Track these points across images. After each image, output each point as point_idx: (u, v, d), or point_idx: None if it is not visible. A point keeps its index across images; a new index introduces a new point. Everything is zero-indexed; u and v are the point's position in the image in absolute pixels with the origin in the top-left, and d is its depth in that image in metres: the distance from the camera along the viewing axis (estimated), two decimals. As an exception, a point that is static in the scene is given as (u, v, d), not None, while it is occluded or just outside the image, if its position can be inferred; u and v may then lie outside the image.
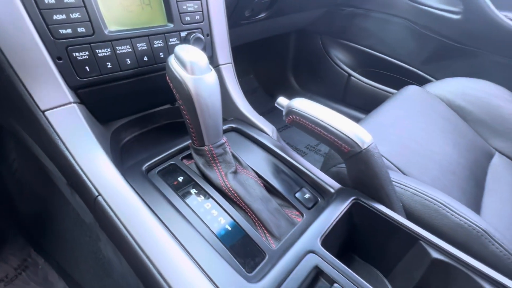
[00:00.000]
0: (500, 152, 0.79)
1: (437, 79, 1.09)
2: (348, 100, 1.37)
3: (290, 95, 1.59)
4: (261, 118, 0.55)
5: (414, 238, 0.33)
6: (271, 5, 0.82)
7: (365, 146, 0.36)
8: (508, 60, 0.89)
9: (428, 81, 1.11)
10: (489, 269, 0.29)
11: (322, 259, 0.29)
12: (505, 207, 0.63)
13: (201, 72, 0.35)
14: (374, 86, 1.24)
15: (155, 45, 0.44)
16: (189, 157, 0.44)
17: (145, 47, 0.43)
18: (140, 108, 0.53)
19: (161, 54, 0.45)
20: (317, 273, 0.29)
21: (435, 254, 0.31)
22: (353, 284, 0.27)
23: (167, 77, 0.36)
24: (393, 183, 0.44)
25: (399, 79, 1.20)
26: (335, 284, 0.27)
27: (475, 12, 0.88)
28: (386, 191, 0.37)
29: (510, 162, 0.77)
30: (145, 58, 0.43)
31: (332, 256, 0.30)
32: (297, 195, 0.41)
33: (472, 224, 0.36)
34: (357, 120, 0.84)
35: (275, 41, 1.46)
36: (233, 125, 0.53)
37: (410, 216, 0.41)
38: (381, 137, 0.63)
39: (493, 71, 0.92)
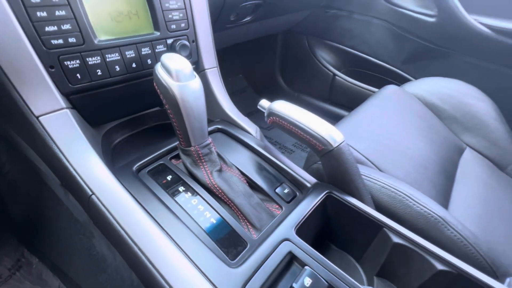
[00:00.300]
0: (470, 147, 0.85)
1: (415, 78, 1.15)
2: (333, 99, 1.42)
3: (278, 94, 1.64)
4: (246, 119, 0.59)
5: (379, 226, 0.38)
6: (256, 9, 0.85)
7: (336, 145, 0.40)
8: (478, 60, 0.95)
9: (407, 80, 1.16)
10: (439, 249, 0.33)
11: (296, 245, 0.33)
12: (471, 197, 0.68)
13: (186, 79, 0.38)
14: (357, 85, 1.29)
15: (142, 52, 0.46)
16: (177, 157, 0.47)
17: (133, 55, 0.45)
18: (130, 111, 0.55)
19: (148, 60, 0.47)
20: (291, 258, 0.33)
21: (396, 239, 0.36)
22: (322, 266, 0.31)
23: (155, 84, 0.39)
24: (364, 177, 0.48)
25: (381, 78, 1.25)
26: (306, 267, 0.31)
27: (448, 16, 0.93)
28: (356, 184, 0.41)
29: (479, 156, 0.83)
30: (134, 65, 0.46)
31: (305, 243, 0.34)
32: (277, 190, 0.44)
33: (431, 212, 0.41)
34: (341, 117, 0.88)
35: (263, 41, 1.50)
36: (219, 126, 0.56)
37: (378, 206, 0.45)
38: (359, 135, 0.68)
39: (465, 71, 0.98)
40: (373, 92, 1.24)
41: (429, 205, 0.42)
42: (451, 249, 0.41)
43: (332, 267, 0.32)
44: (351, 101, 1.31)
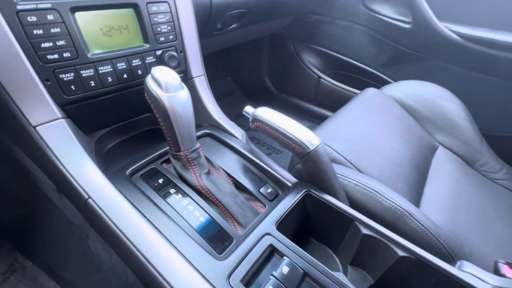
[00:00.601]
0: (442, 145, 0.92)
1: (395, 80, 1.22)
2: (318, 100, 1.47)
3: (266, 96, 1.68)
4: (232, 123, 0.63)
5: (351, 220, 0.42)
6: (241, 16, 0.89)
7: (313, 148, 0.45)
8: (449, 65, 1.02)
9: (387, 82, 1.23)
10: (400, 238, 0.38)
11: (276, 239, 0.37)
12: (442, 191, 0.74)
13: (174, 90, 0.41)
14: (341, 87, 1.35)
15: (133, 64, 0.49)
16: (168, 161, 0.51)
17: (124, 66, 0.48)
18: (122, 118, 0.58)
19: (139, 71, 0.51)
20: (272, 250, 0.37)
21: (365, 230, 0.40)
22: (299, 256, 0.35)
23: (146, 95, 0.42)
24: (340, 176, 0.53)
25: (363, 80, 1.31)
26: (284, 257, 0.35)
27: (421, 23, 1.00)
28: (331, 183, 0.46)
29: (450, 154, 0.89)
30: (125, 76, 0.49)
31: (284, 237, 0.38)
32: (261, 190, 0.48)
33: (398, 206, 0.46)
34: (326, 118, 0.93)
35: (250, 45, 1.54)
36: (207, 131, 0.59)
37: (352, 202, 0.50)
38: (339, 136, 0.73)
39: (438, 75, 1.05)
40: (356, 93, 1.30)
41: (397, 200, 0.47)
42: (415, 239, 0.46)
43: (308, 257, 0.36)
44: (335, 102, 1.37)
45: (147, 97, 0.42)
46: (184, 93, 0.42)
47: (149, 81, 0.42)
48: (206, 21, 0.76)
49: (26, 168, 0.54)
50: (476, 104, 0.97)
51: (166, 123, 0.42)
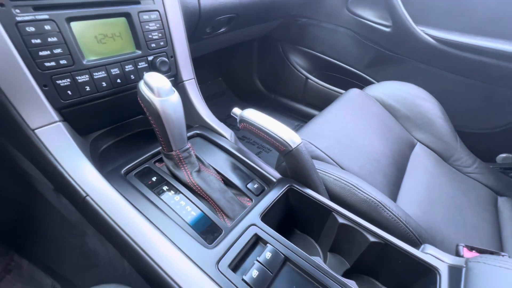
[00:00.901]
0: (420, 142, 0.98)
1: (377, 81, 1.28)
2: (306, 100, 1.53)
3: (256, 97, 1.73)
4: (221, 124, 0.66)
5: (329, 211, 0.47)
6: (230, 21, 0.93)
7: (295, 146, 0.49)
8: (426, 66, 1.09)
9: (370, 82, 1.29)
10: (371, 225, 0.43)
11: (261, 229, 0.41)
12: (418, 185, 0.80)
13: (166, 94, 0.44)
14: (327, 87, 1.40)
15: (126, 69, 0.52)
16: (161, 160, 0.54)
17: (118, 72, 0.51)
18: (116, 120, 0.61)
19: (132, 76, 0.53)
20: (257, 239, 0.41)
21: (341, 220, 0.45)
22: (280, 243, 0.40)
23: (139, 99, 0.46)
24: (320, 172, 0.57)
25: (348, 81, 1.37)
26: (268, 244, 0.39)
27: (400, 27, 1.06)
28: (312, 178, 0.50)
29: (427, 150, 0.95)
30: (118, 80, 0.52)
31: (268, 227, 0.42)
32: (248, 185, 0.52)
33: (372, 198, 0.51)
34: (313, 116, 0.97)
35: (240, 47, 1.57)
36: (198, 131, 0.63)
37: (332, 195, 0.54)
38: (323, 135, 0.77)
39: (416, 75, 1.12)
40: (341, 93, 1.35)
41: (371, 193, 0.51)
42: (387, 227, 0.51)
43: (289, 244, 0.40)
44: (322, 102, 1.42)
45: (140, 101, 0.45)
46: (175, 97, 0.46)
47: (142, 86, 0.45)
48: (195, 26, 0.79)
49: (22, 169, 0.56)
50: (451, 103, 1.04)
51: (159, 125, 0.45)
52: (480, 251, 0.47)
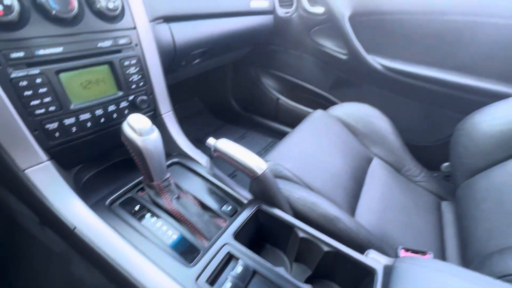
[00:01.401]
0: (377, 156, 1.11)
1: (341, 101, 1.42)
2: (279, 118, 1.64)
3: (232, 116, 1.82)
4: (198, 151, 0.73)
5: (291, 227, 0.55)
6: (203, 54, 1.02)
7: (261, 172, 0.57)
8: (378, 89, 1.25)
9: (335, 103, 1.43)
10: (325, 236, 0.52)
11: (233, 247, 0.49)
12: (374, 196, 0.92)
13: (147, 134, 0.51)
14: (297, 107, 1.53)
15: (109, 110, 0.58)
16: (142, 189, 0.60)
17: (102, 112, 0.57)
18: (99, 153, 0.66)
19: (114, 115, 0.59)
20: (230, 256, 0.48)
21: (301, 234, 0.53)
22: (250, 259, 0.47)
23: (122, 138, 0.52)
24: (286, 192, 0.66)
25: (315, 101, 1.51)
26: (239, 260, 0.46)
27: (355, 55, 1.21)
28: (277, 198, 0.59)
29: (382, 163, 1.09)
30: (102, 120, 0.58)
31: (240, 245, 0.49)
32: (222, 208, 0.60)
33: (329, 213, 0.60)
34: (286, 133, 1.06)
35: (215, 70, 1.67)
36: (176, 160, 0.69)
37: (296, 212, 0.63)
38: (289, 156, 0.87)
39: (371, 97, 1.27)
40: (310, 112, 1.48)
41: (327, 209, 0.61)
42: (342, 237, 0.60)
43: (257, 258, 0.47)
44: (294, 120, 1.54)
45: (123, 140, 0.52)
46: (155, 135, 0.52)
47: (125, 127, 0.51)
48: (171, 61, 0.87)
49: (4, 204, 0.59)
50: (400, 120, 1.19)
51: (141, 160, 0.52)
52: (414, 251, 0.58)
